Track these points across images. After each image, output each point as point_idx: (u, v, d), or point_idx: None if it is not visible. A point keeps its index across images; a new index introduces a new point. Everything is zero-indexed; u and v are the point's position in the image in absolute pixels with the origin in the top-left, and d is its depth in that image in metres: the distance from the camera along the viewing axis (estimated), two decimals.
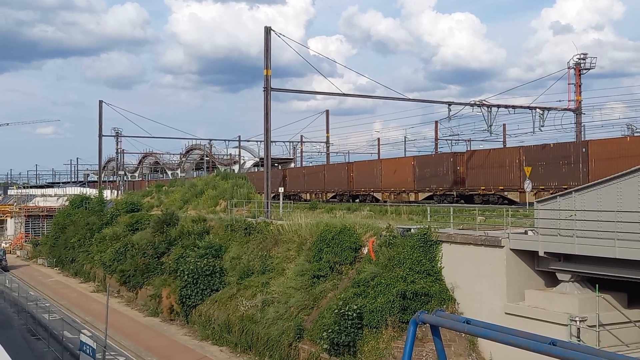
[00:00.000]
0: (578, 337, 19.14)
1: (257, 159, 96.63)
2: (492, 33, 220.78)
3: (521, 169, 38.53)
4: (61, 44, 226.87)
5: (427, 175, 47.56)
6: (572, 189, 21.29)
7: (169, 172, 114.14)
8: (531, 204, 26.26)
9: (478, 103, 45.46)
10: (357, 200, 54.89)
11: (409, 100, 45.88)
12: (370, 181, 54.16)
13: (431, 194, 47.05)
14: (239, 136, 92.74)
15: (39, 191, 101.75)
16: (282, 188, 47.12)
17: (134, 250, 44.50)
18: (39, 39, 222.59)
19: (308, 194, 62.83)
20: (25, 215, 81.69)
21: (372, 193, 53.69)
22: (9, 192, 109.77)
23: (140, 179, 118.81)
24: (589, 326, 19.30)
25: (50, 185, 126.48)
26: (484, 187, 42.01)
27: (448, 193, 45.40)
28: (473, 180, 43.34)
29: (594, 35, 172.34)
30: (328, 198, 59.26)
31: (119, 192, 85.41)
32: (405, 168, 50.23)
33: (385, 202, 49.43)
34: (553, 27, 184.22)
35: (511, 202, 39.25)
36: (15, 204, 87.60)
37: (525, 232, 22.49)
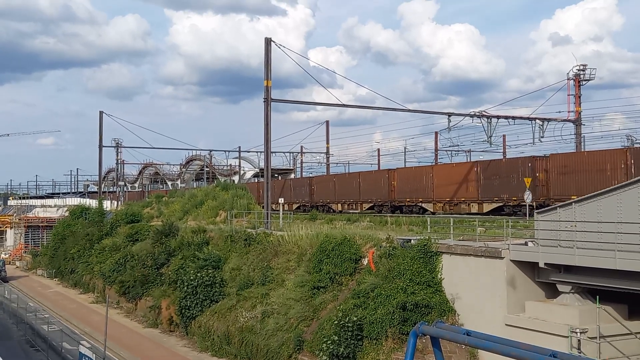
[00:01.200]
0: (579, 348, 19.07)
1: (257, 170, 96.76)
2: (492, 44, 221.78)
3: (628, 174, 33.48)
4: (62, 55, 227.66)
5: (495, 183, 41.85)
6: (572, 200, 21.29)
7: (169, 183, 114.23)
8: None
9: (478, 114, 45.52)
10: (398, 211, 49.35)
11: (409, 111, 46.06)
12: (418, 190, 48.27)
13: (501, 204, 41.21)
14: (239, 147, 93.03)
15: (38, 202, 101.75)
16: (282, 198, 47.06)
17: (134, 261, 44.43)
18: (40, 51, 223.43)
19: (339, 205, 57.41)
20: (25, 226, 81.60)
21: (420, 204, 48.15)
22: (9, 202, 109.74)
23: (140, 189, 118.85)
24: (589, 338, 19.24)
25: (50, 195, 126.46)
26: (575, 196, 34.30)
27: (524, 203, 38.42)
28: (560, 189, 37.54)
29: (593, 46, 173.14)
30: (364, 209, 53.97)
31: (119, 202, 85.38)
32: (465, 175, 44.47)
33: (434, 213, 44.87)
34: (552, 38, 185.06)
35: None
36: (15, 215, 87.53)
37: (526, 243, 22.47)
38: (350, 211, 54.14)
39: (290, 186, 67.75)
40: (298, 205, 63.82)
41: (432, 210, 46.51)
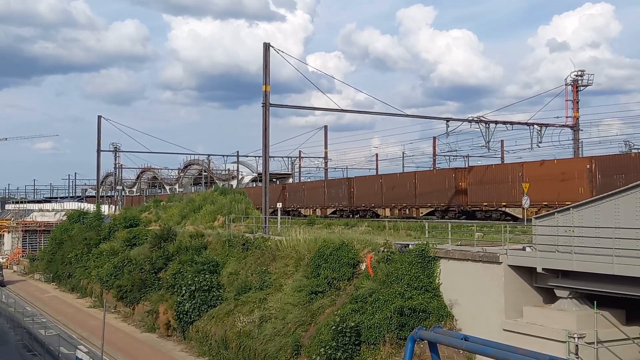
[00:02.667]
0: (576, 354, 19.06)
1: (256, 174, 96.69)
2: (490, 50, 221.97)
3: None
4: (61, 60, 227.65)
5: (619, 183, 33.91)
6: (570, 205, 21.31)
7: (167, 187, 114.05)
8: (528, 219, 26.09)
9: (476, 119, 45.60)
10: (464, 217, 44.37)
11: (407, 116, 46.01)
12: (501, 192, 41.44)
13: None
14: (237, 151, 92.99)
15: (36, 206, 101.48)
16: (281, 203, 47.02)
17: (132, 266, 44.35)
18: (39, 55, 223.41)
19: (388, 210, 50.84)
20: (22, 230, 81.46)
21: (503, 208, 41.95)
22: (7, 207, 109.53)
23: (138, 194, 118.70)
24: (587, 343, 19.22)
25: (48, 200, 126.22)
26: None
27: None
28: None
29: (590, 52, 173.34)
30: (422, 215, 47.82)
31: (117, 207, 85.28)
32: (573, 174, 37.08)
33: (518, 219, 39.31)
34: (549, 44, 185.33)
35: None
36: (12, 219, 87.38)
37: (523, 249, 22.49)
38: (401, 218, 46.16)
39: (324, 188, 60.19)
40: (334, 210, 57.36)
41: (521, 216, 39.46)
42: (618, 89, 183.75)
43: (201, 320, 33.40)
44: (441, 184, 46.93)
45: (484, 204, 43.39)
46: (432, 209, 47.42)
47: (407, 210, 49.43)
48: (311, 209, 61.37)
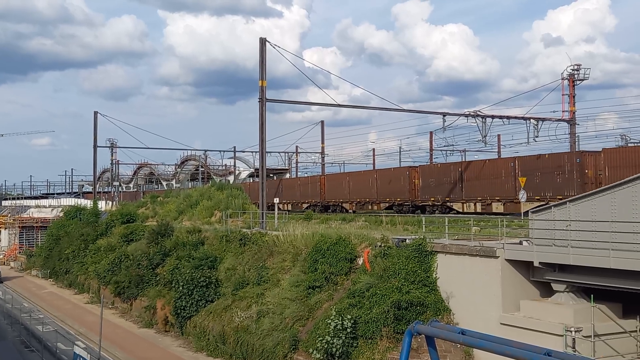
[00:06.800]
0: (573, 347, 19.12)
1: (253, 170, 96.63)
2: (485, 45, 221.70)
3: None
4: (59, 56, 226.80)
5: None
6: (566, 199, 21.35)
7: (164, 183, 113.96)
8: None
9: (472, 114, 45.61)
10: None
11: (404, 110, 46.05)
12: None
13: None
14: (234, 147, 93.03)
15: (33, 202, 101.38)
16: (277, 198, 46.95)
17: (129, 262, 44.31)
18: (37, 52, 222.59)
19: (463, 204, 41.54)
20: (19, 227, 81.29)
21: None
22: (3, 203, 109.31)
23: (135, 189, 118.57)
24: (584, 336, 19.29)
25: (45, 196, 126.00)
26: None
27: None
28: None
29: (585, 47, 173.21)
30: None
31: (114, 202, 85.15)
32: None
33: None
34: (544, 39, 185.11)
35: None
36: (9, 215, 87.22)
37: (520, 243, 22.52)
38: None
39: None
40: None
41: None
42: (614, 84, 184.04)
43: (199, 315, 33.42)
44: (561, 166, 37.38)
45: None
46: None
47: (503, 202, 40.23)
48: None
